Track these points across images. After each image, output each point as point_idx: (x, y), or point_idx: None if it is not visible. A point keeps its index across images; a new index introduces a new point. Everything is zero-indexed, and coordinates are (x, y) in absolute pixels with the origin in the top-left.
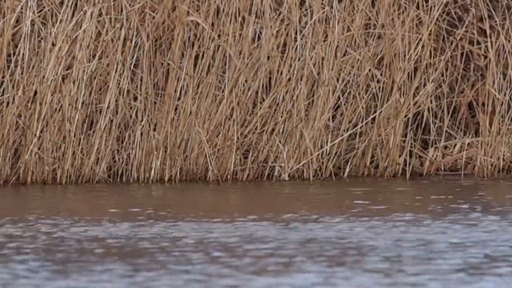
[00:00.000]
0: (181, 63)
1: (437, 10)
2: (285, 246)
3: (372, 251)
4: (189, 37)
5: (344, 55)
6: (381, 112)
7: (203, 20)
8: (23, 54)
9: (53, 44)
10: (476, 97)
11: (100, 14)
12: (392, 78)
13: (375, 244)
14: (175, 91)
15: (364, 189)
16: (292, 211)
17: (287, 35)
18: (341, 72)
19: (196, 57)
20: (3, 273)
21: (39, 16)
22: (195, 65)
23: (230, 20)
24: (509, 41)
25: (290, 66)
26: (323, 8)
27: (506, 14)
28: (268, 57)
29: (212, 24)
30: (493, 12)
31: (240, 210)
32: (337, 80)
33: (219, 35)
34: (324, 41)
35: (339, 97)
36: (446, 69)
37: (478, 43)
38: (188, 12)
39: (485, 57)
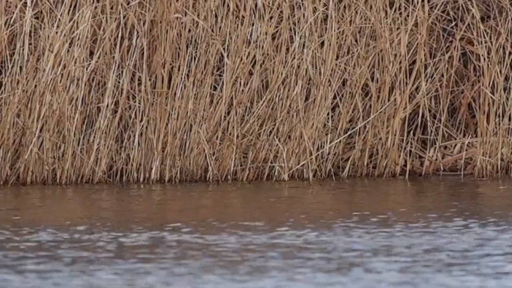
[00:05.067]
0: (178, 63)
1: (437, 10)
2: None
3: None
4: (179, 36)
5: (346, 53)
6: (379, 112)
7: (190, 18)
8: (20, 54)
9: (52, 43)
10: (476, 97)
11: (96, 13)
12: (390, 78)
13: (388, 247)
14: (170, 89)
15: (364, 189)
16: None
17: (280, 35)
18: (338, 71)
19: (194, 57)
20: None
21: (37, 18)
22: (194, 66)
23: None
24: (507, 40)
25: (289, 65)
26: (317, 8)
27: (497, 16)
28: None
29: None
30: (493, 12)
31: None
32: (334, 79)
33: (217, 34)
34: (322, 43)
35: (335, 96)
36: (446, 70)
37: (477, 43)
38: (185, 13)
39: (482, 57)
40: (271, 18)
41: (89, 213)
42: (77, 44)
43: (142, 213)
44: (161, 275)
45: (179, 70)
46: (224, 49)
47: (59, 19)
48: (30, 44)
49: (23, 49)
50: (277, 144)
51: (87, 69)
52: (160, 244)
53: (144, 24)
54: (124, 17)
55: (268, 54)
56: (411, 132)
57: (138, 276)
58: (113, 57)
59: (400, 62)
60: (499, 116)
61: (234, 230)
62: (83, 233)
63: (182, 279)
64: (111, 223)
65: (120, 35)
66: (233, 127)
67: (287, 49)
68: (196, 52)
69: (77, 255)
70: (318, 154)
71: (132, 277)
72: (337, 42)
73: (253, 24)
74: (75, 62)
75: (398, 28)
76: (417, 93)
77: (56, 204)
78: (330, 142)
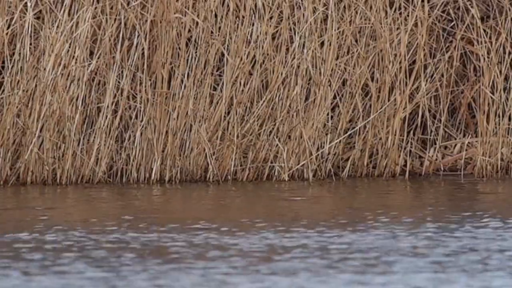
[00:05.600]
0: (178, 63)
1: (437, 10)
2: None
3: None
4: (179, 36)
5: (346, 53)
6: (379, 112)
7: (190, 18)
8: (20, 54)
9: (52, 43)
10: (476, 97)
11: (96, 13)
12: (390, 78)
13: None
14: (170, 89)
15: (364, 190)
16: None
17: (280, 35)
18: (338, 71)
19: (194, 57)
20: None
21: (37, 18)
22: (195, 66)
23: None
24: (507, 40)
25: (289, 65)
26: (317, 8)
27: (497, 16)
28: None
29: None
30: (493, 12)
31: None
32: (334, 79)
33: (216, 34)
34: (322, 43)
35: (335, 96)
36: (446, 70)
37: (477, 43)
38: (185, 13)
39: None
40: (271, 18)
41: (95, 213)
42: (78, 44)
43: (147, 213)
44: (190, 276)
45: (179, 70)
46: (224, 48)
47: (60, 19)
48: (30, 44)
49: (23, 49)
50: (277, 144)
51: (87, 69)
52: (176, 245)
53: (144, 24)
54: (124, 17)
55: (268, 54)
56: (411, 132)
57: (167, 277)
58: (113, 57)
59: (400, 62)
60: (499, 116)
61: (244, 230)
62: (95, 234)
63: (212, 281)
64: (117, 224)
65: (120, 35)
66: (233, 127)
67: (287, 49)
68: (196, 52)
69: (96, 255)
70: (318, 154)
71: (163, 277)
72: (337, 42)
73: (253, 24)
74: (75, 62)
75: (398, 28)
76: (417, 93)
77: (58, 204)
78: (330, 142)
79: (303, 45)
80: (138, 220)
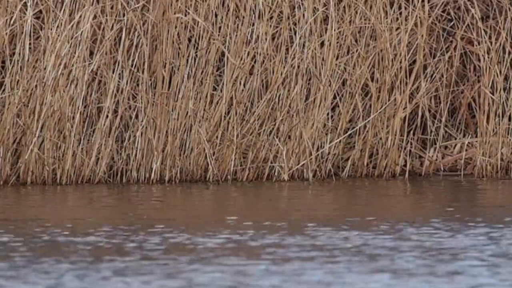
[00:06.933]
0: (179, 63)
1: (437, 10)
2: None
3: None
4: (179, 36)
5: (346, 53)
6: (379, 112)
7: (190, 18)
8: (20, 54)
9: (53, 43)
10: (476, 97)
11: (97, 13)
12: (390, 78)
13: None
14: (170, 89)
15: (364, 190)
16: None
17: (280, 35)
18: (338, 71)
19: (194, 57)
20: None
21: (37, 18)
22: (195, 66)
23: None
24: (507, 40)
25: (289, 64)
26: (317, 8)
27: (497, 16)
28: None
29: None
30: (493, 12)
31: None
32: (334, 79)
33: (217, 34)
34: (322, 43)
35: (335, 96)
36: (446, 70)
37: (477, 43)
38: (187, 12)
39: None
40: (271, 18)
41: (95, 213)
42: (78, 44)
43: (149, 214)
44: (203, 275)
45: (179, 70)
46: (224, 48)
47: (60, 19)
48: (30, 44)
49: (23, 49)
50: (277, 144)
51: (87, 69)
52: (183, 245)
53: (144, 24)
54: (124, 16)
55: (268, 54)
56: (411, 132)
57: (184, 276)
58: (113, 57)
59: (400, 62)
60: (499, 116)
61: (252, 230)
62: (95, 234)
63: (229, 280)
64: (117, 223)
65: (121, 35)
66: (233, 127)
67: (287, 49)
68: (196, 52)
69: (96, 255)
70: (318, 154)
71: (181, 276)
72: (337, 42)
73: (253, 24)
74: (75, 62)
75: (398, 28)
76: (417, 93)
77: (58, 204)
78: (330, 142)
79: (303, 45)
80: (139, 221)
